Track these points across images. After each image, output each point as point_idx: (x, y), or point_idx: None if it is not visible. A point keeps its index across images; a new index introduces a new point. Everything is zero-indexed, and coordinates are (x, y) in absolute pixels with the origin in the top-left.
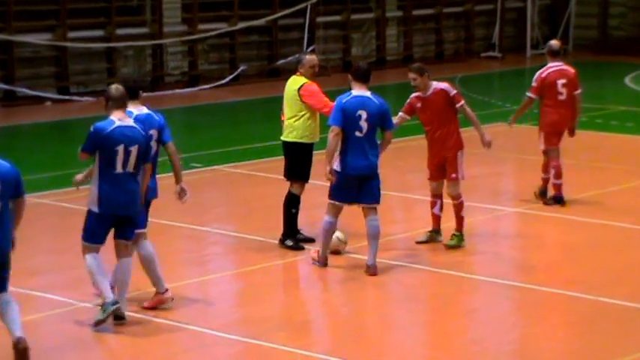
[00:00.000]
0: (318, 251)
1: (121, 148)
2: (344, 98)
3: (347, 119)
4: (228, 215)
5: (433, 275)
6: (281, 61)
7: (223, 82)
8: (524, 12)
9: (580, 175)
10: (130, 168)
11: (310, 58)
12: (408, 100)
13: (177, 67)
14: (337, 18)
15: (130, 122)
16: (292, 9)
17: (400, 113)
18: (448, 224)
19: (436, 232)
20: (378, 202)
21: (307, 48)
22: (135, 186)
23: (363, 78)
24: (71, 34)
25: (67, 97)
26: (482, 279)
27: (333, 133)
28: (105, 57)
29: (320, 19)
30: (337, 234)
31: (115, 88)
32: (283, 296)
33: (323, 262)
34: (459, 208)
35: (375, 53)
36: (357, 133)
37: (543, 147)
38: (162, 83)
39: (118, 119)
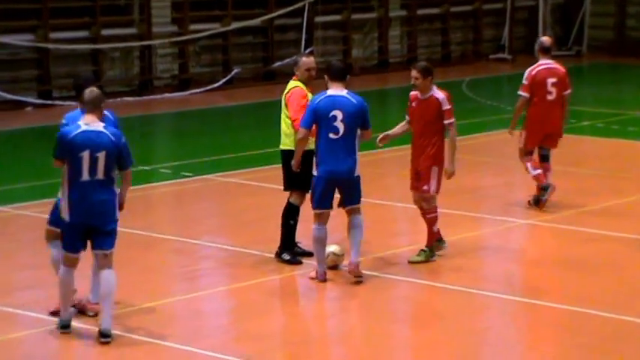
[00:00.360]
0: (316, 270)
1: (85, 154)
2: (317, 99)
3: (320, 121)
4: (220, 227)
5: (439, 291)
6: (277, 64)
7: (216, 85)
8: (535, 11)
9: (596, 184)
10: (100, 175)
11: (306, 61)
12: (409, 99)
13: (166, 69)
14: (337, 18)
15: (99, 127)
16: (289, 8)
17: (407, 117)
18: (452, 238)
19: (438, 240)
20: (358, 202)
21: (305, 50)
22: (106, 194)
23: (338, 76)
24: (54, 35)
25: (49, 102)
26: (492, 295)
27: (299, 137)
28: (90, 59)
29: (319, 19)
30: (332, 249)
31: (89, 92)
32: (280, 314)
33: (322, 277)
34: (431, 222)
35: (377, 55)
36: (332, 135)
37: (522, 146)
38: (151, 87)
39: (84, 124)
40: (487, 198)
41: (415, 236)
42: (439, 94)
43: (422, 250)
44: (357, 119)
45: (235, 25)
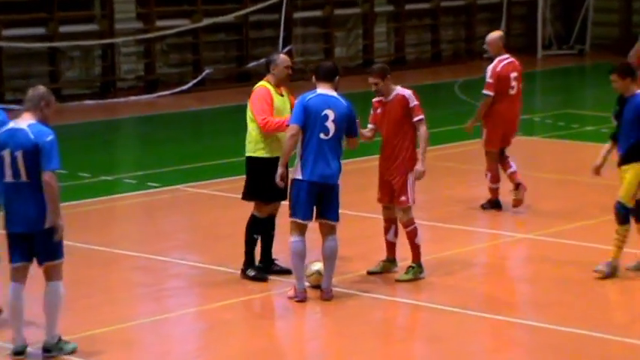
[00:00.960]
0: (295, 287)
1: (6, 153)
2: (308, 96)
3: (310, 119)
4: (190, 243)
5: (427, 312)
6: (252, 64)
7: (185, 87)
8: (534, 6)
9: (599, 195)
10: (23, 177)
11: (284, 58)
12: (372, 107)
13: (131, 70)
14: (318, 13)
15: (22, 125)
16: (265, 3)
17: (369, 125)
18: (442, 254)
19: (390, 261)
20: (338, 218)
21: (283, 48)
22: (32, 199)
23: (326, 77)
24: (6, 32)
25: (2, 106)
26: (484, 316)
27: (290, 133)
28: (46, 59)
29: (297, 15)
30: (317, 267)
31: (32, 89)
32: (255, 337)
33: (301, 296)
34: (411, 235)
35: (361, 54)
36: (322, 135)
37: (487, 148)
38: (114, 89)
39: (14, 122)
40: (479, 210)
41: (401, 252)
42: (404, 91)
43: (409, 267)
44: (346, 122)
45: (206, 21)
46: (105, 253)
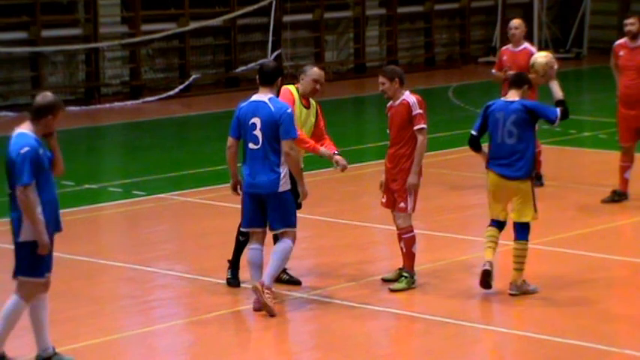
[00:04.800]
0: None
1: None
2: (242, 104)
3: (243, 129)
4: (178, 253)
5: (424, 323)
6: (240, 69)
7: (171, 93)
8: (530, 9)
9: (598, 203)
10: (9, 189)
11: (317, 71)
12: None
13: (116, 75)
14: (308, 17)
15: (15, 135)
16: (254, 6)
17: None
18: (437, 264)
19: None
20: (288, 225)
21: (272, 52)
22: (12, 211)
23: (262, 80)
24: None
25: None
26: (483, 328)
27: (227, 145)
28: (29, 64)
29: (287, 19)
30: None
31: (40, 96)
32: (245, 351)
33: (257, 305)
34: (408, 242)
35: (352, 58)
36: (251, 145)
37: None
38: (99, 95)
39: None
40: (475, 218)
41: (396, 261)
42: (410, 97)
43: (403, 276)
44: (272, 128)
45: (193, 25)
46: (90, 264)
